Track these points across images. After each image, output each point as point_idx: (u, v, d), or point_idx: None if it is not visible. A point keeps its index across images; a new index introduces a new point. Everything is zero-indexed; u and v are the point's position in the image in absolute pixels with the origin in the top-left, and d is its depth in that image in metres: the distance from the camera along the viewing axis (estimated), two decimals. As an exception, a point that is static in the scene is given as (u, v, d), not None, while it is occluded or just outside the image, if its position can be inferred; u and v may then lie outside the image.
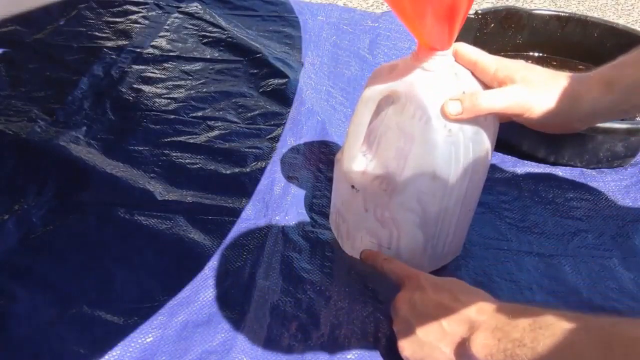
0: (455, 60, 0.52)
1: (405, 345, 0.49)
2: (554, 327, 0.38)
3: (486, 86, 0.52)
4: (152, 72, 0.95)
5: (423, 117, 0.49)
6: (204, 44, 1.03)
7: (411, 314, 0.48)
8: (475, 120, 0.50)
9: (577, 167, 0.78)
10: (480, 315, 0.44)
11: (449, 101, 0.48)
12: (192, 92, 0.90)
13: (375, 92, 0.51)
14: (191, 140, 0.80)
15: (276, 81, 0.92)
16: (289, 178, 0.74)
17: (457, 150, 0.50)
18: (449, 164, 0.50)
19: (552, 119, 0.49)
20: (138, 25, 1.08)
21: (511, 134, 0.74)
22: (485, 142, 0.52)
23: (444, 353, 0.45)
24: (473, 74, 0.52)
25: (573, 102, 0.49)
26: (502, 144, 0.75)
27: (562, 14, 0.94)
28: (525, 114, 0.49)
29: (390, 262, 0.56)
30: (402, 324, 0.49)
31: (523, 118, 0.50)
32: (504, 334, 0.40)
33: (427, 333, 0.46)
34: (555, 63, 0.95)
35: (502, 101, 0.49)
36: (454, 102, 0.48)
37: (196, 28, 1.08)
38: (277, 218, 0.67)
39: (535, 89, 0.49)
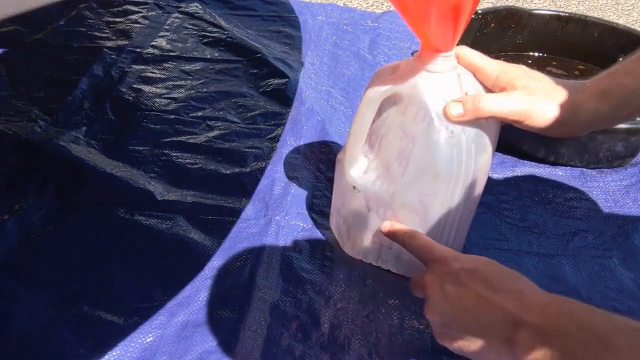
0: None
1: (442, 335, 0.46)
2: (609, 340, 0.34)
3: (488, 89, 0.52)
4: (152, 72, 0.95)
5: (425, 118, 0.49)
6: (204, 44, 1.03)
7: (445, 306, 0.45)
8: (477, 122, 0.50)
9: (577, 167, 0.78)
10: (522, 311, 0.40)
11: (452, 103, 0.49)
12: (192, 92, 0.90)
13: (377, 93, 0.51)
14: (191, 140, 0.80)
15: (276, 81, 0.92)
16: (289, 178, 0.74)
17: (459, 152, 0.50)
18: (450, 165, 0.50)
19: (552, 126, 0.50)
20: (138, 25, 1.08)
21: (511, 134, 0.74)
22: (486, 144, 0.52)
23: (485, 347, 0.42)
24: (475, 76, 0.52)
25: (573, 112, 0.49)
26: (502, 144, 0.75)
27: (562, 14, 0.95)
28: (525, 121, 0.50)
29: (413, 237, 0.52)
30: (436, 314, 0.46)
31: (523, 125, 0.50)
32: (553, 339, 0.36)
33: (465, 327, 0.43)
34: (555, 63, 0.95)
35: (504, 106, 0.49)
36: (456, 104, 0.49)
37: (196, 28, 1.08)
38: (277, 218, 0.67)
39: (536, 98, 0.49)
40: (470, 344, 0.43)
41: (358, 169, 0.56)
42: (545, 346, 0.36)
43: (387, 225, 0.56)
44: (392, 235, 0.55)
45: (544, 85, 0.50)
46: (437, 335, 0.46)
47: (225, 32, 1.05)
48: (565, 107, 0.49)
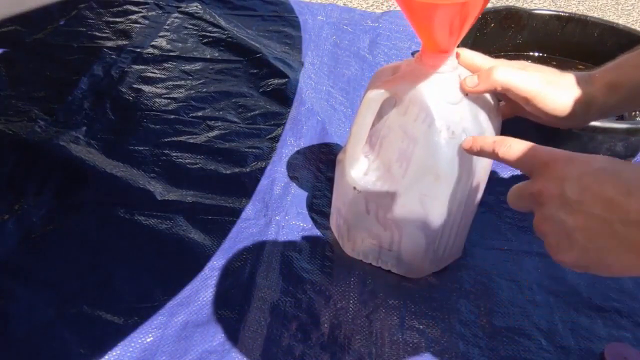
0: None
1: (561, 251, 0.39)
2: None
3: None
4: (152, 72, 0.95)
5: (426, 120, 0.49)
6: (204, 44, 1.03)
7: (565, 214, 0.38)
8: (478, 122, 0.50)
9: (577, 167, 0.78)
10: None
11: (468, 77, 0.50)
12: (192, 92, 0.90)
13: (378, 93, 0.51)
14: (191, 140, 0.80)
15: (276, 81, 0.92)
16: (289, 178, 0.74)
17: (460, 153, 0.50)
18: (451, 167, 0.50)
19: (559, 114, 0.49)
20: (138, 25, 1.08)
21: (512, 133, 0.74)
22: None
23: (621, 260, 0.36)
24: None
25: (582, 102, 0.49)
26: (502, 144, 0.75)
27: (562, 14, 0.95)
28: (534, 101, 0.49)
29: (506, 144, 0.44)
30: (553, 225, 0.39)
31: (531, 105, 0.49)
32: None
33: (593, 238, 0.37)
34: (555, 63, 0.95)
35: (518, 80, 0.49)
36: (472, 76, 0.50)
37: (196, 28, 1.08)
38: (277, 218, 0.67)
39: (549, 82, 0.49)
40: (598, 259, 0.37)
41: (359, 169, 0.55)
42: None
43: (468, 142, 0.48)
44: (476, 151, 0.47)
45: (551, 75, 0.50)
46: (552, 251, 0.40)
47: (225, 32, 1.05)
48: (575, 97, 0.49)
